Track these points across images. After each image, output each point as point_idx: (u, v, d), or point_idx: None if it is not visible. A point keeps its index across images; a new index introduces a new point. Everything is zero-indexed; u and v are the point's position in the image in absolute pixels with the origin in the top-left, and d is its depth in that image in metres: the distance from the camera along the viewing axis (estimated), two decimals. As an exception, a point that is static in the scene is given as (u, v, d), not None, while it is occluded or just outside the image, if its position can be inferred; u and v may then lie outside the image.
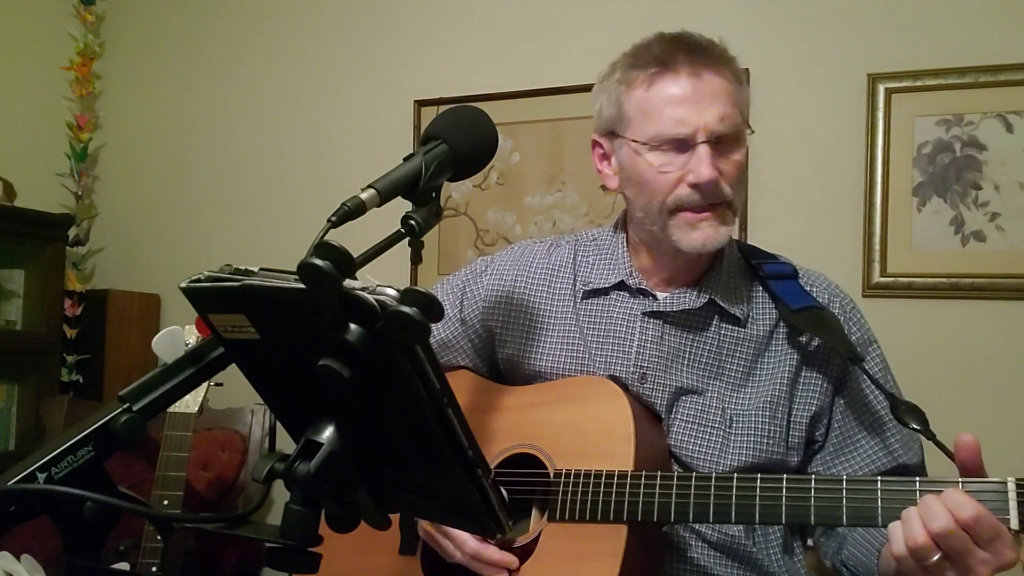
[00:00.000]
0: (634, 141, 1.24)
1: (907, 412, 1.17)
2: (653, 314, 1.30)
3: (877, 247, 2.20)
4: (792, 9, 2.33)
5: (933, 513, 0.96)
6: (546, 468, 1.24)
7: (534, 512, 1.26)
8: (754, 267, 1.34)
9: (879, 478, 1.07)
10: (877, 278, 2.21)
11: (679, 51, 1.22)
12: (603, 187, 2.48)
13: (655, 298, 1.31)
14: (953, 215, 2.15)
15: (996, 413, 2.10)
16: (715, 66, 1.22)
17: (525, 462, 1.26)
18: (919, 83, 2.18)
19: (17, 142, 3.02)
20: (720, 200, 1.22)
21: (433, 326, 1.46)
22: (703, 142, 1.19)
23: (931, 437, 1.15)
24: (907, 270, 2.19)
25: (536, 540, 1.21)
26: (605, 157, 1.34)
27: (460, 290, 1.44)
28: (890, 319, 2.14)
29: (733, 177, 1.22)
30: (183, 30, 3.12)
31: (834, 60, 2.27)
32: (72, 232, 3.04)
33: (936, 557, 0.96)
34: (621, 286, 1.33)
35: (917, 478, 1.05)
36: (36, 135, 3.09)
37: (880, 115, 2.21)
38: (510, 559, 1.20)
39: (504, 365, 1.41)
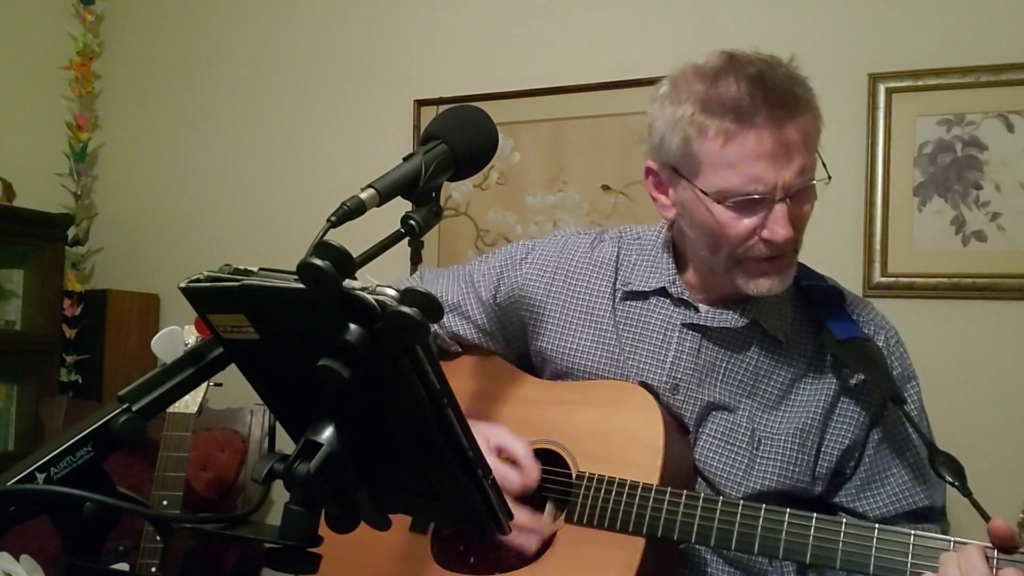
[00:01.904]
0: (702, 192, 1.16)
1: (945, 464, 1.14)
2: (693, 326, 1.27)
3: (878, 247, 2.20)
4: (792, 9, 2.33)
5: (974, 567, 0.95)
6: (568, 467, 1.23)
7: (547, 508, 1.25)
8: (802, 289, 1.30)
9: (913, 532, 1.04)
10: (878, 278, 2.20)
11: (759, 101, 1.10)
12: (604, 186, 2.48)
13: (697, 310, 1.28)
14: (954, 215, 2.15)
15: (997, 413, 2.09)
16: (799, 115, 1.12)
17: (547, 458, 1.25)
18: (920, 83, 2.18)
19: (16, 142, 3.02)
20: (789, 251, 1.19)
21: (469, 309, 1.45)
22: (780, 200, 1.13)
23: (967, 494, 1.11)
24: (908, 270, 2.18)
25: (550, 540, 1.20)
26: (661, 185, 1.25)
27: (497, 274, 1.40)
28: (891, 319, 2.13)
29: (802, 227, 1.18)
30: (182, 30, 3.12)
31: (834, 60, 2.27)
32: (71, 232, 3.04)
33: None
34: (662, 292, 1.30)
35: (952, 539, 1.03)
36: (35, 135, 3.08)
37: (881, 115, 2.20)
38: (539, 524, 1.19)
39: (536, 357, 1.39)
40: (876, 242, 2.20)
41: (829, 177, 1.18)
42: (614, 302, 1.33)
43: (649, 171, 1.26)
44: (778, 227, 1.13)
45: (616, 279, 1.34)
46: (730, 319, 1.25)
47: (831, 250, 2.22)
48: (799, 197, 1.15)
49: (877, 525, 1.07)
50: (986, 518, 1.03)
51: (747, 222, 1.15)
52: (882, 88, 2.21)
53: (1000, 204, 2.11)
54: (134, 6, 3.20)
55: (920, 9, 2.20)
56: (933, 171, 2.17)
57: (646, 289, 1.31)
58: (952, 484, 1.13)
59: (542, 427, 1.28)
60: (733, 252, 1.18)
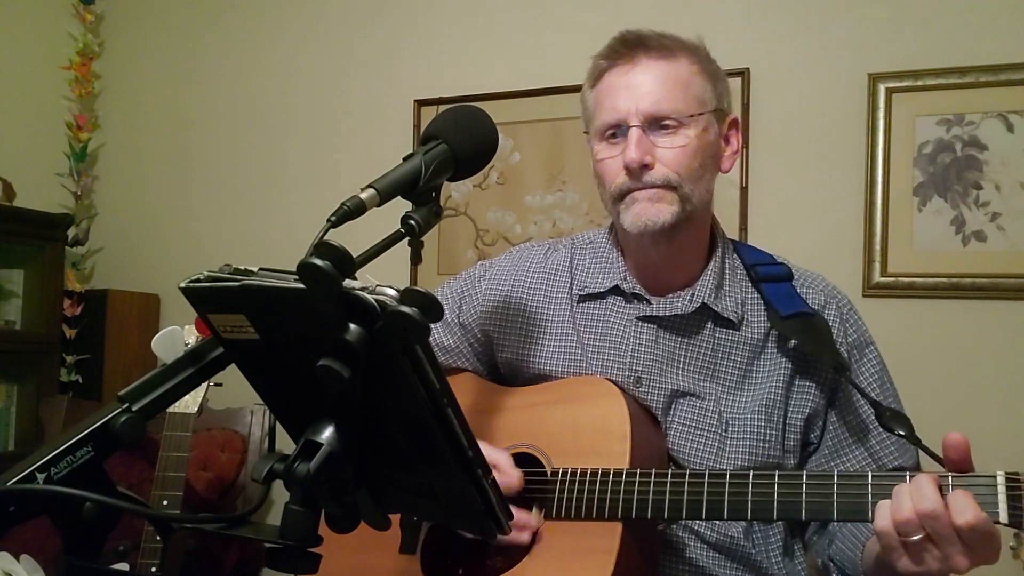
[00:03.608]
0: (589, 135, 1.30)
1: (892, 419, 1.18)
2: (647, 318, 1.31)
3: (878, 247, 2.20)
4: (792, 9, 2.33)
5: (924, 495, 0.97)
6: (544, 467, 1.24)
7: (534, 510, 1.26)
8: (748, 269, 1.34)
9: (869, 473, 1.07)
10: (878, 278, 2.20)
11: (621, 45, 1.26)
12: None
13: (649, 302, 1.31)
14: (954, 215, 2.15)
15: (996, 413, 2.09)
16: (655, 53, 1.24)
17: (525, 461, 1.27)
18: (920, 83, 2.18)
19: (17, 142, 3.02)
20: (656, 183, 1.22)
21: (434, 331, 1.48)
22: (634, 125, 1.21)
23: (917, 443, 1.16)
24: (908, 270, 2.18)
25: (533, 539, 1.21)
26: None
27: (459, 295, 1.45)
28: (891, 319, 2.13)
29: (675, 162, 1.22)
30: (182, 30, 3.12)
31: (834, 60, 2.27)
32: (71, 232, 3.04)
33: (918, 536, 0.97)
34: (616, 291, 1.34)
35: (907, 472, 1.05)
36: (35, 135, 3.08)
37: (881, 115, 2.20)
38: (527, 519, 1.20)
39: (504, 368, 1.42)
40: (876, 242, 2.20)
41: (702, 114, 1.24)
42: (572, 306, 1.36)
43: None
44: (629, 150, 1.21)
45: (572, 284, 1.38)
46: (680, 306, 1.29)
47: (831, 250, 2.22)
48: (666, 131, 1.22)
49: (836, 471, 1.10)
50: (941, 462, 1.05)
51: (615, 152, 1.24)
52: (882, 88, 2.21)
53: (1000, 204, 2.11)
54: (134, 6, 3.20)
55: (920, 9, 2.20)
56: (933, 171, 2.17)
57: (601, 290, 1.35)
58: (901, 436, 1.17)
59: (517, 432, 1.30)
60: (611, 190, 1.26)
